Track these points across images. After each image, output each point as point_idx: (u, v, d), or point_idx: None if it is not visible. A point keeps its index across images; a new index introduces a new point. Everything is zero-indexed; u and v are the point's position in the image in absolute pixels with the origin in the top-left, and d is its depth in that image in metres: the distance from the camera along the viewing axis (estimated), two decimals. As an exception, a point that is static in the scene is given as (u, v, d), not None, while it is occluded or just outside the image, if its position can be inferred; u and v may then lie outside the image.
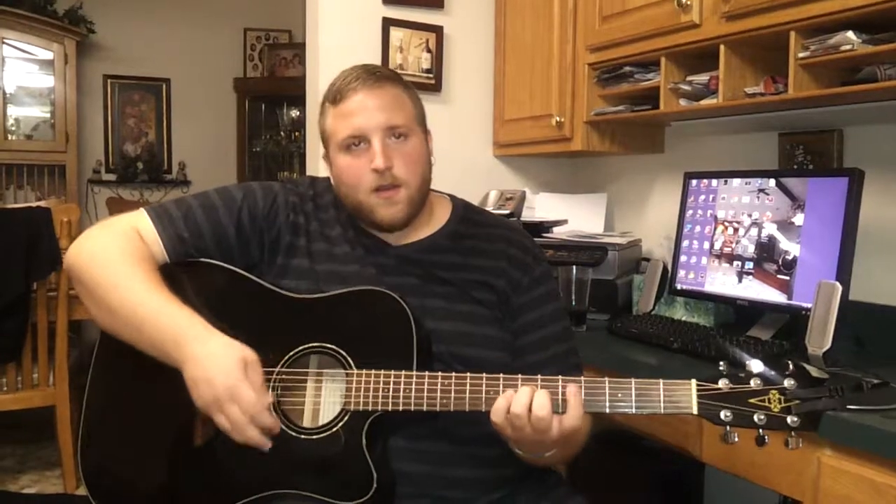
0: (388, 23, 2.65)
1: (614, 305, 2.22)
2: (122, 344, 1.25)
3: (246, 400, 1.12)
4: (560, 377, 1.14)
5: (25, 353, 2.78)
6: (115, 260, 1.25)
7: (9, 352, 2.74)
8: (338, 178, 1.35)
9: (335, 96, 1.32)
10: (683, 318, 2.07)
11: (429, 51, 2.71)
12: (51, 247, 2.72)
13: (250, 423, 1.13)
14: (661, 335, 1.86)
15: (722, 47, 1.86)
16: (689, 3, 1.90)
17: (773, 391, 1.07)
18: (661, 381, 1.11)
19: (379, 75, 1.33)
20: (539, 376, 1.14)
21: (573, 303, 2.07)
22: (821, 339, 1.58)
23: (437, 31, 2.72)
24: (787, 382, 1.07)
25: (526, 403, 1.10)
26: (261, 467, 1.20)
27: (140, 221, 1.32)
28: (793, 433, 1.06)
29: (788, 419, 1.06)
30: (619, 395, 1.11)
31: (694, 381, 1.10)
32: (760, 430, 1.07)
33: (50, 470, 3.15)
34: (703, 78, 1.96)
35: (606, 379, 1.13)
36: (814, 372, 1.44)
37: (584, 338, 2.02)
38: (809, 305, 1.64)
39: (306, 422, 1.23)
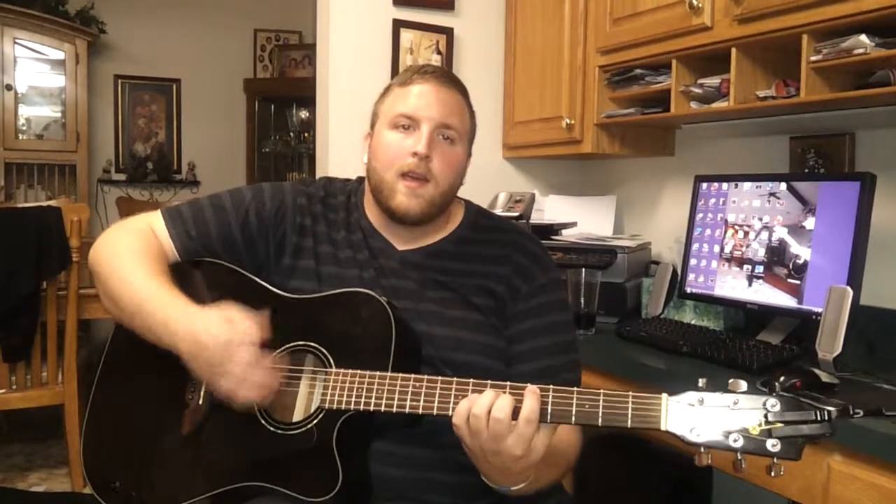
0: (398, 24, 2.65)
1: (623, 309, 2.22)
2: (130, 344, 1.28)
3: (241, 347, 1.12)
4: (528, 384, 1.09)
5: (35, 352, 2.79)
6: (125, 253, 1.30)
7: (18, 350, 2.76)
8: (374, 151, 1.37)
9: (406, 79, 1.36)
10: (693, 322, 2.06)
11: (439, 52, 2.71)
12: (61, 246, 2.73)
13: (253, 367, 1.13)
14: (670, 339, 1.85)
15: (733, 50, 1.86)
16: (700, 5, 1.90)
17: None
18: (630, 393, 1.04)
19: (454, 80, 1.39)
20: (508, 383, 1.10)
21: (582, 306, 2.07)
22: (831, 343, 1.57)
23: (448, 32, 2.72)
24: (769, 403, 0.98)
25: (486, 405, 1.07)
26: (236, 460, 1.23)
27: (155, 220, 1.38)
28: (775, 460, 0.97)
29: (768, 443, 0.97)
30: (587, 406, 1.05)
31: (665, 396, 1.02)
32: (738, 455, 0.98)
33: (58, 468, 3.16)
34: (714, 81, 1.95)
35: (575, 389, 1.08)
36: (824, 377, 1.45)
37: (592, 341, 2.02)
38: (820, 310, 1.64)
39: (297, 418, 1.24)
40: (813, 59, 1.67)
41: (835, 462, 1.33)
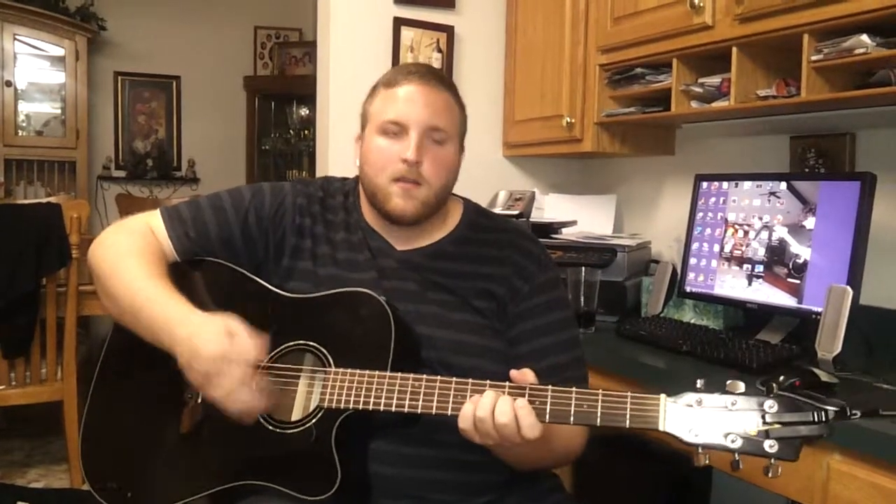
0: (399, 22, 2.65)
1: (623, 307, 2.22)
2: (129, 343, 1.28)
3: (235, 364, 1.12)
4: (528, 385, 1.10)
5: (34, 349, 2.79)
6: (124, 252, 1.30)
7: (18, 347, 2.76)
8: (365, 157, 1.36)
9: (391, 80, 1.35)
10: (692, 321, 2.06)
11: (439, 51, 2.71)
12: (60, 243, 2.73)
13: (243, 385, 1.13)
14: (669, 338, 1.85)
15: (734, 49, 1.86)
16: (701, 4, 1.90)
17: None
18: (629, 394, 1.05)
19: (439, 77, 1.37)
20: (507, 383, 1.11)
21: (582, 304, 2.07)
22: (831, 343, 1.57)
23: (448, 31, 2.72)
24: (767, 405, 0.99)
25: (489, 407, 1.08)
26: (234, 458, 1.23)
27: (154, 220, 1.38)
28: (773, 460, 0.98)
29: (766, 444, 0.98)
30: (585, 406, 1.06)
31: (663, 397, 1.03)
32: (735, 455, 0.99)
33: (57, 464, 3.16)
34: (714, 80, 1.95)
35: (574, 389, 1.09)
36: (823, 377, 1.45)
37: (592, 339, 2.02)
38: (820, 309, 1.64)
39: (296, 417, 1.24)
40: (814, 58, 1.67)
41: (834, 461, 1.33)
